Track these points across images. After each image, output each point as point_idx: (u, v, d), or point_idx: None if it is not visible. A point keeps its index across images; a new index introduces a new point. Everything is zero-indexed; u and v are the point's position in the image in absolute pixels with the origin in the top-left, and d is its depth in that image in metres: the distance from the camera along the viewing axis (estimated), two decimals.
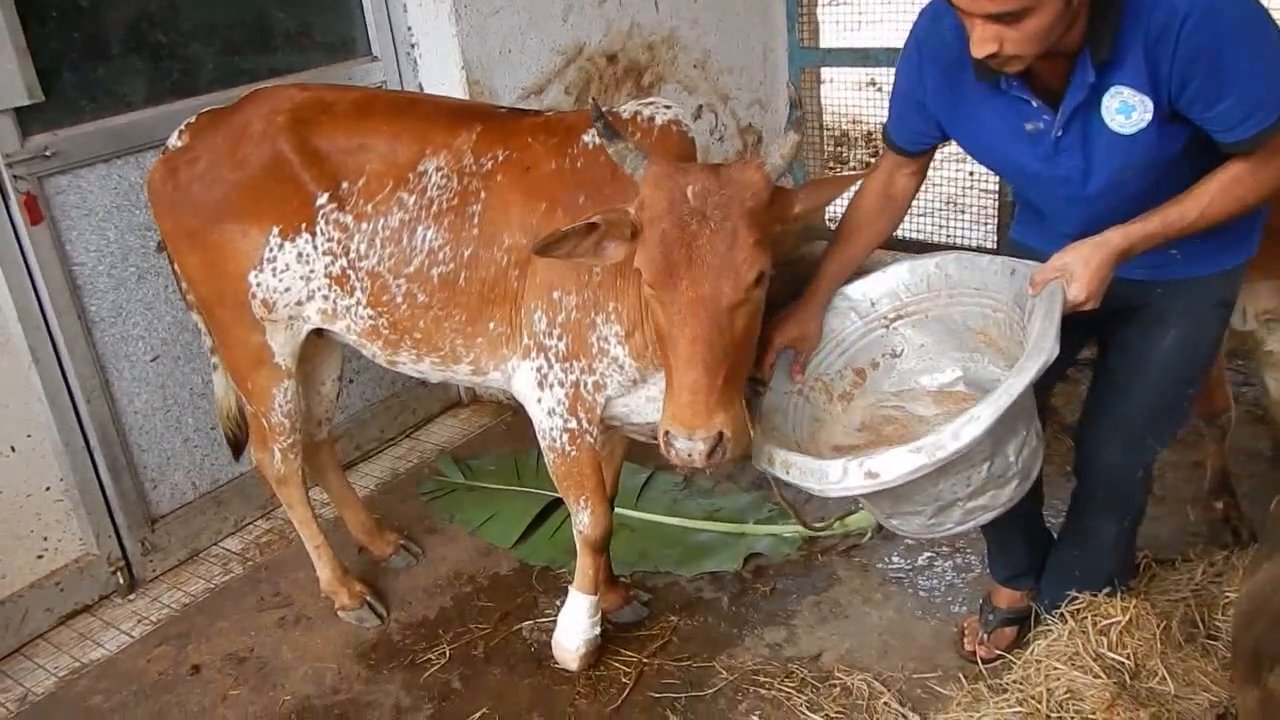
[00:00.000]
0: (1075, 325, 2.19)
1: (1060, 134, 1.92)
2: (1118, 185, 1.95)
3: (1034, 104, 1.91)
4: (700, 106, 4.63)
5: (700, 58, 4.58)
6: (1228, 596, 2.55)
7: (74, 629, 3.11)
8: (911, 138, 2.19)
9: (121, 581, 3.23)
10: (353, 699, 2.73)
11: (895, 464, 1.83)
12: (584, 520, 2.54)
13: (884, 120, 2.25)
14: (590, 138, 2.34)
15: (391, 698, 2.71)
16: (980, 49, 1.75)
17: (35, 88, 2.82)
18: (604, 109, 2.40)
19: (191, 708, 2.75)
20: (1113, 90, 1.83)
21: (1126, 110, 1.83)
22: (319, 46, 3.63)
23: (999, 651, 2.56)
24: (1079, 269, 1.88)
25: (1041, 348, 1.83)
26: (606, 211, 2.04)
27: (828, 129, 5.34)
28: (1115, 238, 1.88)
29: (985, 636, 2.59)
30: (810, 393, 2.31)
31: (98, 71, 3.07)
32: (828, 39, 5.10)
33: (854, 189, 2.25)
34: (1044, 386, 2.25)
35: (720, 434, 1.94)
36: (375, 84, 3.68)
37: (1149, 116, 1.82)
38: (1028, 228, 2.28)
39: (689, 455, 1.94)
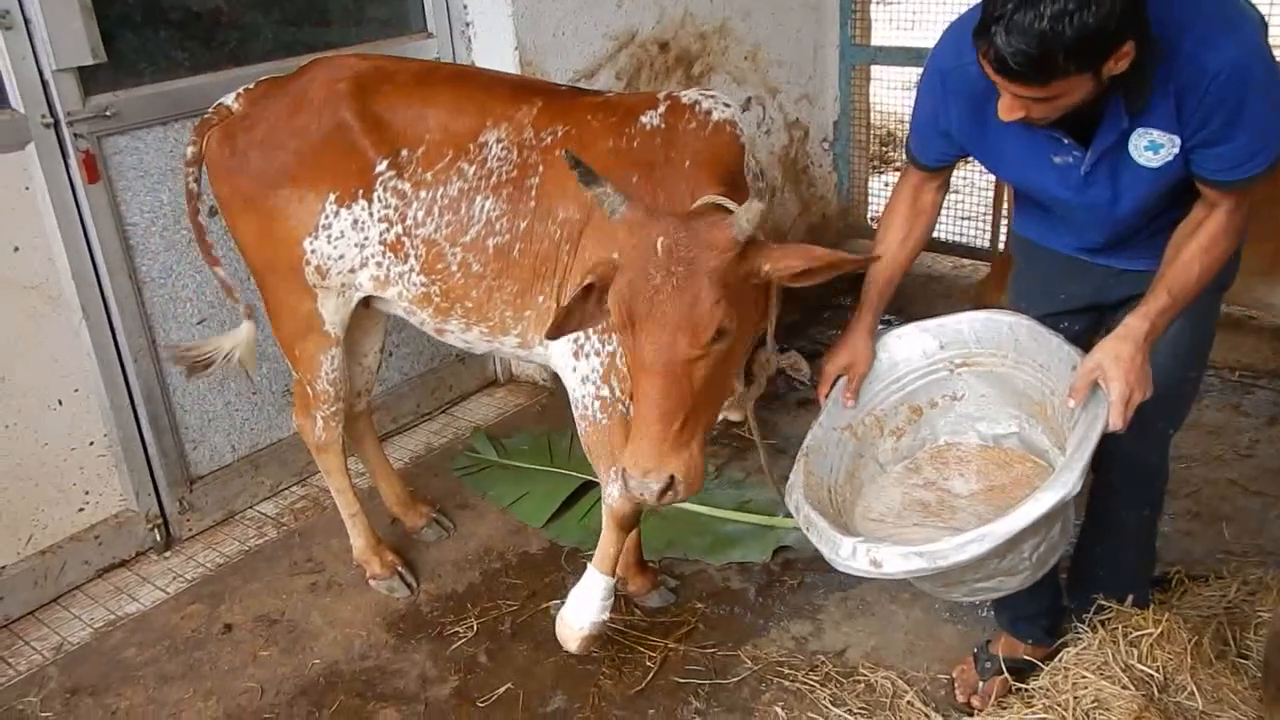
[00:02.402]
0: (1085, 315, 2.25)
1: (1089, 170, 1.96)
2: (1145, 205, 2.00)
3: (1065, 141, 1.95)
4: (749, 98, 4.63)
5: (751, 49, 4.58)
6: (1260, 616, 2.53)
7: (110, 582, 3.17)
8: (935, 157, 2.22)
9: (158, 538, 3.29)
10: (380, 666, 2.77)
11: (897, 562, 1.89)
12: (613, 492, 2.51)
13: None
14: (648, 119, 2.36)
15: (418, 667, 2.75)
16: (1008, 115, 1.82)
17: (99, 48, 2.86)
18: (657, 93, 2.43)
19: (222, 666, 2.80)
20: (1140, 131, 1.89)
21: (1155, 148, 1.89)
22: (375, 21, 3.66)
23: (993, 704, 2.46)
24: (1111, 367, 1.91)
25: (1064, 481, 1.83)
26: (596, 266, 2.05)
27: (875, 128, 5.30)
28: (1137, 324, 1.92)
29: (980, 685, 2.52)
30: (860, 428, 2.31)
31: (159, 35, 3.12)
32: (879, 37, 5.07)
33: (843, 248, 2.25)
34: None
35: (671, 477, 1.95)
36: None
37: (1176, 151, 1.89)
38: (1029, 221, 2.30)
39: (641, 494, 1.97)
